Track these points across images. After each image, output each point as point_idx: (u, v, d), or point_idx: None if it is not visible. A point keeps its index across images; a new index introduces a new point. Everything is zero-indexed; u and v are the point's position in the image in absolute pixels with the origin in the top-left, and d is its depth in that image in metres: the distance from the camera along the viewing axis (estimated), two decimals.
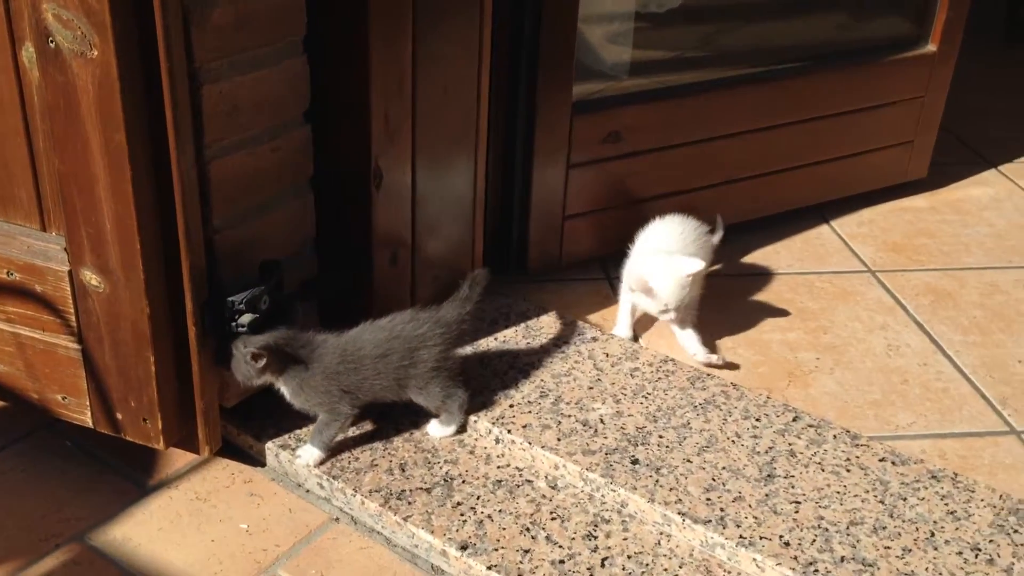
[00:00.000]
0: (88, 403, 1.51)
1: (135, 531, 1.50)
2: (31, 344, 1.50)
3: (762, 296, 2.08)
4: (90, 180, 1.33)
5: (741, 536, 1.41)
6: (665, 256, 1.81)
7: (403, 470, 1.54)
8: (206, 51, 1.33)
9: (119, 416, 1.50)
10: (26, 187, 1.43)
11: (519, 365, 1.75)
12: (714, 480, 1.51)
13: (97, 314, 1.43)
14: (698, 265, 1.77)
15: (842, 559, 1.38)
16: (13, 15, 1.31)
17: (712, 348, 1.87)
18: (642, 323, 1.95)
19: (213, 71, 1.36)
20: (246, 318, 1.44)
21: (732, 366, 1.84)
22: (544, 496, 1.52)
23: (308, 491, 1.56)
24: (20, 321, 1.49)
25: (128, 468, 1.61)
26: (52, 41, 1.26)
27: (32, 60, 1.31)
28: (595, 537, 1.45)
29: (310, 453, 1.54)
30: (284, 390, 1.52)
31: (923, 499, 1.49)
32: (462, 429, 1.61)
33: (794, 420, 1.65)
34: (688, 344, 1.84)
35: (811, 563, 1.37)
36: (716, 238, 2.06)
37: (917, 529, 1.44)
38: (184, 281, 1.38)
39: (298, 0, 1.45)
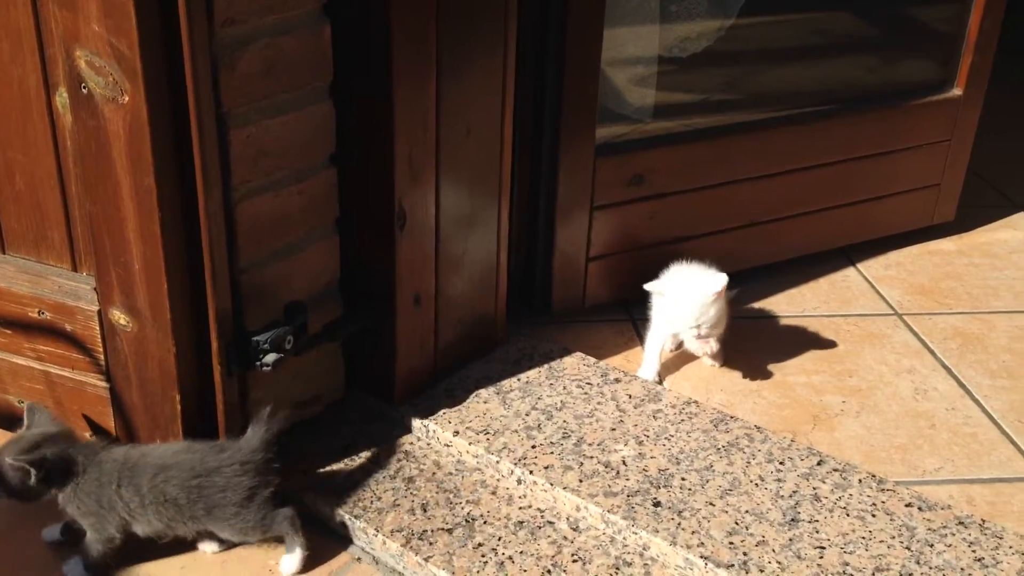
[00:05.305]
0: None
1: (160, 568, 1.50)
2: (61, 382, 1.53)
3: (787, 338, 2.07)
4: (120, 222, 1.36)
5: None
6: (689, 275, 1.84)
7: (425, 510, 1.55)
8: (234, 96, 1.37)
9: None
10: (59, 228, 1.47)
11: (541, 406, 1.75)
12: (737, 524, 1.50)
13: (125, 353, 1.45)
14: (722, 281, 1.79)
15: None
16: (48, 62, 1.36)
17: (736, 388, 1.87)
18: (667, 366, 1.95)
19: (241, 116, 1.39)
20: (271, 357, 1.46)
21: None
22: (565, 537, 1.51)
23: (330, 531, 1.57)
24: (50, 359, 1.52)
25: None
26: (85, 87, 1.30)
27: (65, 105, 1.35)
28: None
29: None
30: (60, 496, 1.43)
31: (950, 546, 1.47)
32: (305, 548, 1.47)
33: (819, 464, 1.63)
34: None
35: None
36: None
37: None
38: (210, 321, 1.40)
39: (324, 46, 1.49)
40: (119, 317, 1.43)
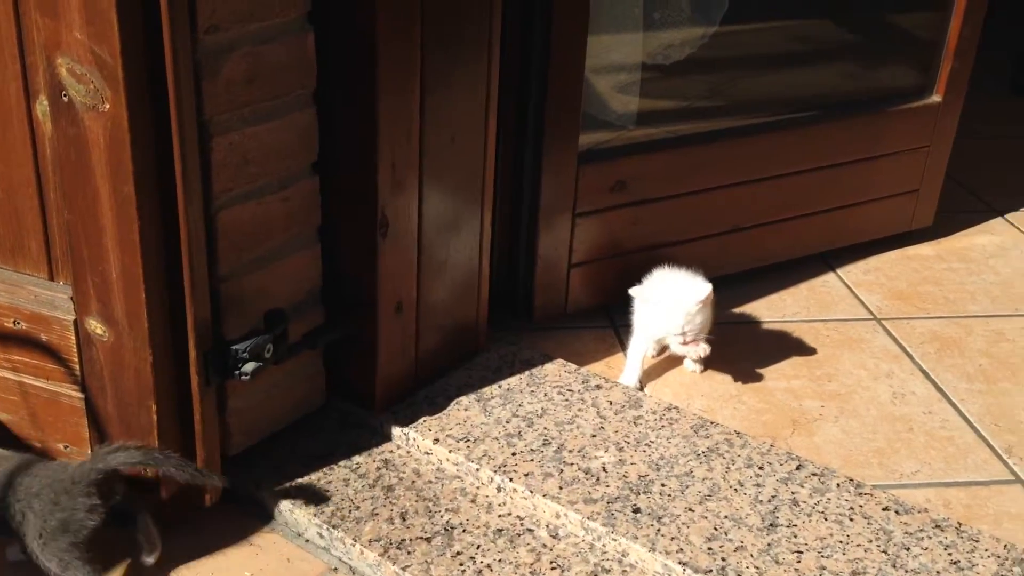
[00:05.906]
0: (89, 452, 1.52)
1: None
2: (35, 393, 1.52)
3: (767, 343, 2.08)
4: (98, 231, 1.35)
5: None
6: (674, 281, 1.86)
7: (404, 519, 1.55)
8: (217, 104, 1.36)
9: None
10: (36, 237, 1.46)
11: (522, 413, 1.75)
12: (716, 529, 1.50)
13: (101, 363, 1.44)
14: (707, 290, 1.80)
15: None
16: (28, 70, 1.35)
17: (717, 394, 1.88)
18: (648, 372, 1.95)
19: (223, 123, 1.38)
20: (249, 366, 1.45)
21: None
22: (545, 545, 1.52)
23: (307, 540, 1.57)
24: (25, 370, 1.51)
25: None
26: (65, 95, 1.29)
27: (46, 113, 1.34)
28: None
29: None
30: None
31: (927, 549, 1.48)
32: None
33: (797, 468, 1.64)
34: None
35: None
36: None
37: None
38: (188, 330, 1.39)
39: (308, 54, 1.48)
40: (95, 327, 1.42)
